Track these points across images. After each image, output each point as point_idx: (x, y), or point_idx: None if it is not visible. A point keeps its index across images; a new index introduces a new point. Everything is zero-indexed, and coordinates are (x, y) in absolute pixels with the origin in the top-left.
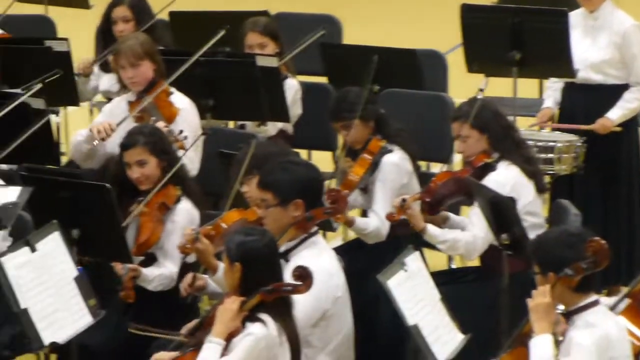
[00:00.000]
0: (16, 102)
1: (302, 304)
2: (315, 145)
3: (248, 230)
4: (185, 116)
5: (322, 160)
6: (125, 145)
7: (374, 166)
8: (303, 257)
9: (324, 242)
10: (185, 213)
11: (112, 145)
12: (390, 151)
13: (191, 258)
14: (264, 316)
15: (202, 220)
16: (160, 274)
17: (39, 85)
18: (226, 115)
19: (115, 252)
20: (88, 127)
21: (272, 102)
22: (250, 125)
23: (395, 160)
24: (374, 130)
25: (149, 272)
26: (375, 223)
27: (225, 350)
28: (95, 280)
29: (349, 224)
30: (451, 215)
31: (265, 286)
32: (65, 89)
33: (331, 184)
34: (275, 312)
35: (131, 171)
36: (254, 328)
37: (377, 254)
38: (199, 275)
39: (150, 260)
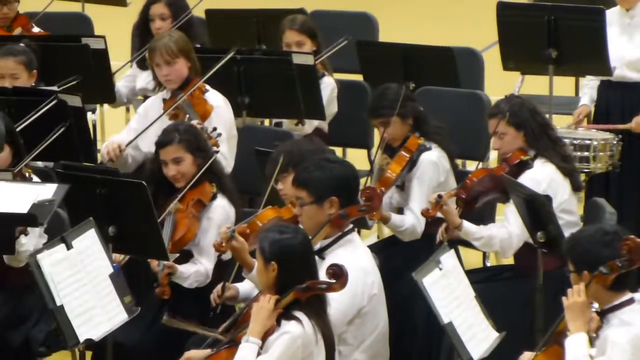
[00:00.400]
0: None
1: (338, 301)
2: (350, 143)
3: (281, 228)
4: (220, 113)
5: (358, 157)
6: (161, 143)
7: (412, 164)
8: (338, 254)
9: (359, 240)
10: (221, 210)
11: (148, 143)
12: (428, 149)
13: (227, 255)
14: (299, 314)
15: (237, 218)
16: (195, 270)
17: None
18: (262, 113)
19: (151, 249)
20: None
21: (308, 99)
22: (286, 123)
23: (433, 158)
24: (412, 128)
25: (184, 269)
26: (411, 220)
27: (260, 348)
28: (131, 277)
29: (385, 220)
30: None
31: (300, 284)
32: (102, 87)
33: (366, 181)
34: (310, 310)
35: (167, 169)
36: (289, 326)
37: (412, 251)
38: (229, 285)
39: (185, 257)
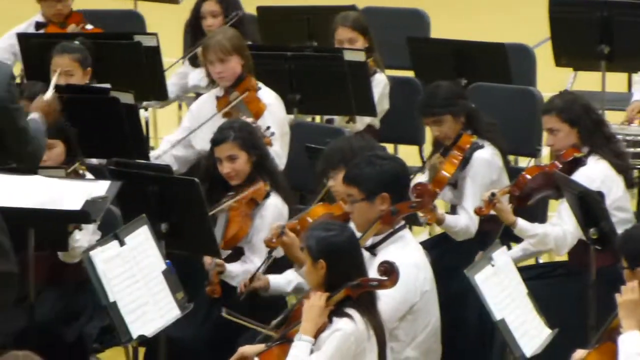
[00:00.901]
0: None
1: (390, 297)
2: (401, 140)
3: (327, 225)
4: (272, 111)
5: (409, 154)
6: (216, 141)
7: (465, 162)
8: (390, 251)
9: (411, 236)
10: (274, 208)
11: (202, 141)
12: (481, 147)
13: (279, 252)
14: (351, 311)
15: (290, 215)
16: (245, 269)
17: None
18: (313, 110)
19: (203, 246)
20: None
21: (360, 96)
22: (337, 120)
23: (486, 157)
24: (464, 126)
25: (233, 268)
26: (464, 221)
27: (312, 345)
28: (183, 274)
29: (439, 222)
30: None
31: (350, 281)
32: (154, 84)
33: (417, 178)
34: (361, 307)
35: (222, 166)
36: (342, 323)
37: (465, 248)
38: (260, 275)
39: (237, 254)
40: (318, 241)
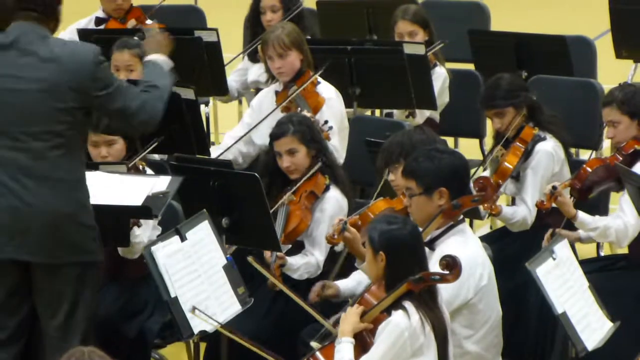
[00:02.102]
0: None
1: (442, 290)
2: (462, 133)
3: (390, 218)
4: (331, 106)
5: (470, 147)
6: (276, 135)
7: (527, 154)
8: (449, 245)
9: (470, 231)
10: (334, 202)
11: (263, 136)
12: (543, 139)
13: (340, 246)
14: (408, 304)
15: (350, 209)
16: (306, 262)
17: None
18: (373, 104)
19: (264, 241)
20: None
21: (420, 90)
22: (397, 114)
23: (548, 149)
24: (526, 118)
25: (294, 260)
26: (522, 212)
27: (371, 334)
28: (244, 268)
29: (496, 213)
30: None
31: (409, 275)
32: (215, 79)
33: (478, 171)
34: (420, 302)
35: (281, 160)
36: (397, 317)
37: (526, 241)
38: (329, 283)
39: (298, 248)
40: (380, 234)
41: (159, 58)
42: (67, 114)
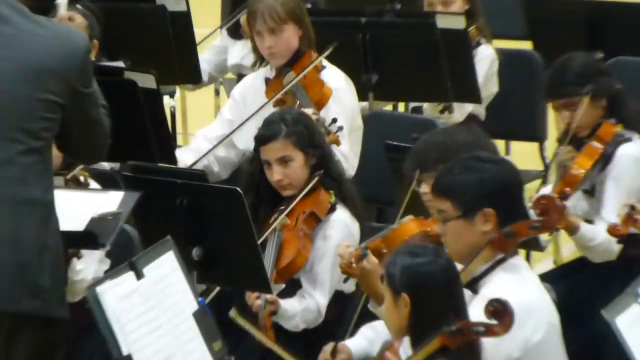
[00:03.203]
0: None
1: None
2: (515, 134)
3: (415, 249)
4: (340, 98)
5: (526, 154)
6: (263, 138)
7: (606, 159)
8: (497, 285)
9: (525, 266)
10: (342, 226)
11: (247, 138)
12: (627, 140)
13: (349, 286)
14: None
15: (361, 236)
16: (304, 308)
17: None
18: (395, 95)
19: (249, 279)
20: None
21: (458, 76)
22: (427, 109)
23: (635, 153)
24: (605, 112)
25: (289, 306)
26: (604, 234)
27: None
28: (222, 316)
29: (572, 230)
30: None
31: (446, 325)
32: (183, 62)
33: (538, 187)
34: None
35: (271, 172)
36: None
37: (602, 280)
38: (342, 345)
39: (293, 288)
40: (402, 270)
41: None
42: (47, 108)
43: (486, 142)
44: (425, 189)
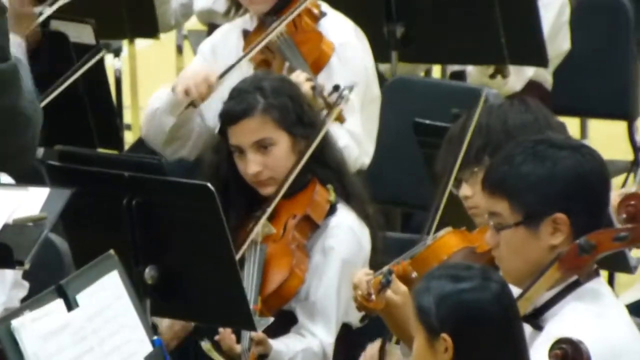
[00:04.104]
0: None
1: None
2: (594, 110)
3: (455, 271)
4: (347, 58)
5: (610, 137)
6: (232, 115)
7: None
8: (567, 320)
9: (609, 293)
10: (347, 233)
11: (213, 115)
12: None
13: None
14: None
15: (374, 250)
16: (304, 349)
17: None
18: (428, 55)
19: (224, 311)
20: (171, 84)
21: (516, 28)
22: (473, 73)
23: None
24: None
25: (283, 346)
26: None
27: None
28: (182, 356)
29: None
30: None
31: None
32: (134, 9)
33: (622, 182)
34: None
35: (244, 161)
36: None
37: None
38: (392, 348)
39: (284, 322)
40: (440, 299)
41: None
42: None
43: (550, 122)
44: (466, 190)
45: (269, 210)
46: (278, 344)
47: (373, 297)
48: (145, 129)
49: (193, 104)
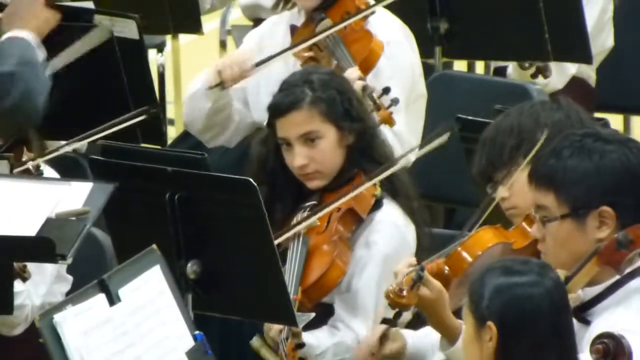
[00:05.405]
0: None
1: None
2: (638, 107)
3: (512, 264)
4: (396, 57)
5: None
6: (280, 107)
7: None
8: (613, 316)
9: None
10: (391, 229)
11: (259, 107)
12: None
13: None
14: None
15: (420, 246)
16: (337, 343)
17: None
18: (471, 51)
19: (266, 306)
20: (211, 68)
21: (560, 25)
22: (513, 71)
23: None
24: None
25: (315, 339)
26: None
27: None
28: (225, 353)
29: None
30: None
31: None
32: (178, 4)
33: None
34: None
35: (291, 154)
36: None
37: None
38: (396, 332)
39: (323, 314)
40: (495, 291)
41: (22, 34)
42: None
43: (583, 120)
44: (503, 192)
45: (323, 212)
46: (309, 337)
47: (405, 292)
48: (186, 114)
49: (222, 85)
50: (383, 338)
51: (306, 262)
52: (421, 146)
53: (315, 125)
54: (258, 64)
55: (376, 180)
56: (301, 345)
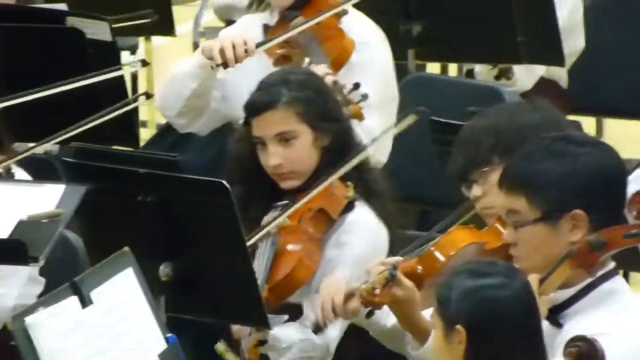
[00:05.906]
0: None
1: None
2: (611, 109)
3: (480, 267)
4: (368, 56)
5: (624, 137)
6: (256, 106)
7: None
8: (586, 319)
9: (628, 293)
10: (363, 230)
11: (236, 103)
12: None
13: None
14: None
15: (393, 248)
16: (304, 339)
17: None
18: (445, 53)
19: (239, 308)
20: (199, 50)
21: (531, 27)
22: (484, 72)
23: None
24: None
25: (282, 334)
26: None
27: None
28: (199, 355)
29: None
30: None
31: None
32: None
33: None
34: None
35: (266, 154)
36: None
37: None
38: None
39: (292, 316)
40: (462, 293)
41: None
42: None
43: (560, 121)
44: (477, 191)
45: (290, 211)
46: (278, 331)
47: (377, 291)
48: (162, 97)
49: (225, 64)
50: (348, 296)
51: (274, 261)
52: (386, 130)
53: (290, 125)
54: (258, 45)
55: (343, 170)
56: (263, 341)
